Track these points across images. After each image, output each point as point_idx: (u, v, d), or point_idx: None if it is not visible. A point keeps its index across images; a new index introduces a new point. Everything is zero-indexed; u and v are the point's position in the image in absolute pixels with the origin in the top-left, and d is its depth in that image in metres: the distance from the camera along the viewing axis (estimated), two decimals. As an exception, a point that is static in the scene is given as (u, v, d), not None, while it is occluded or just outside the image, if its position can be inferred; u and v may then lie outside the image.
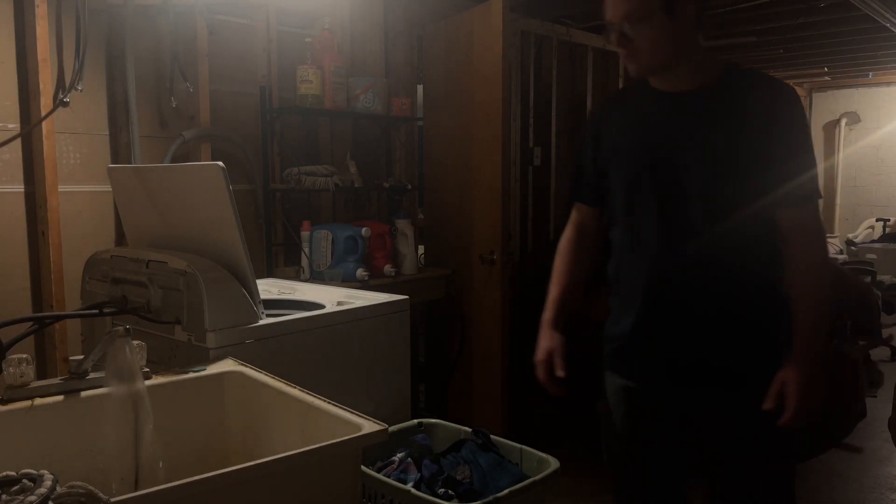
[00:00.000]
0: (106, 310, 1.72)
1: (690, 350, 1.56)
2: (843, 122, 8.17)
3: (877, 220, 7.28)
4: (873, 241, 6.70)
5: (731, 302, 1.53)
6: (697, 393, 1.58)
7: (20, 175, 2.65)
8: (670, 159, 1.52)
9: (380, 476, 1.78)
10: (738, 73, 1.54)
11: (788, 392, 1.44)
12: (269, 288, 2.41)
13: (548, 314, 1.71)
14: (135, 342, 1.41)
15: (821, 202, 1.51)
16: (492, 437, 1.97)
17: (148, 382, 1.41)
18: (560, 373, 1.62)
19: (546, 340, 1.68)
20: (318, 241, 3.08)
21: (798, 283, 1.48)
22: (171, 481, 0.95)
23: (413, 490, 1.70)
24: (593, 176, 1.70)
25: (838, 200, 8.28)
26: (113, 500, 0.88)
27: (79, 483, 0.91)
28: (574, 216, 1.81)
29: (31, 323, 1.70)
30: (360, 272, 3.03)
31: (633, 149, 1.59)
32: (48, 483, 0.91)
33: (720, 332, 1.54)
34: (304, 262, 3.10)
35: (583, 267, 1.78)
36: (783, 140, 1.46)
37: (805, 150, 1.49)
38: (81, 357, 1.37)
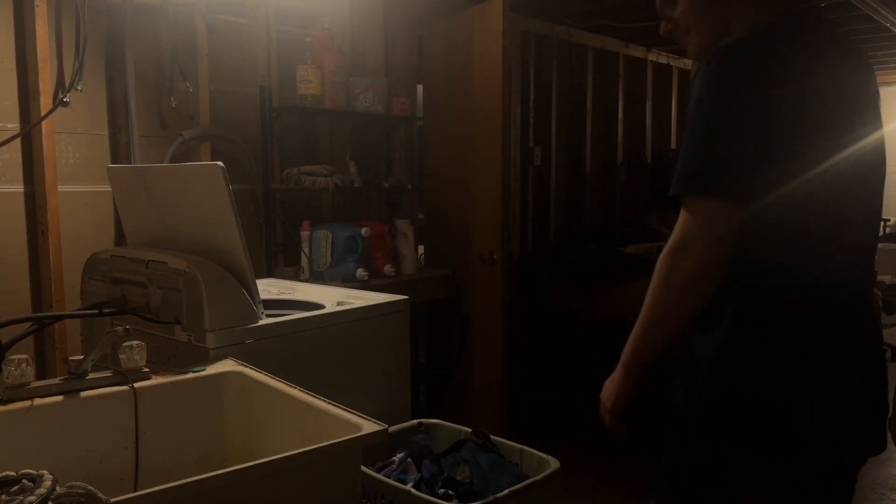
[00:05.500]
0: (105, 310, 1.72)
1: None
2: (843, 121, 8.17)
3: (877, 220, 7.28)
4: (873, 241, 6.69)
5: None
6: None
7: (20, 175, 2.65)
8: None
9: (380, 476, 1.78)
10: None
11: None
12: (269, 288, 2.40)
13: (633, 361, 1.29)
14: (135, 342, 1.41)
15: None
16: (492, 437, 1.96)
17: (148, 382, 1.41)
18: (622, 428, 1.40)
19: (624, 390, 1.33)
20: (318, 241, 3.08)
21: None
22: (170, 481, 0.95)
23: (413, 490, 1.70)
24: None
25: (838, 200, 8.29)
26: (112, 500, 0.88)
27: (78, 483, 0.91)
28: (715, 222, 1.12)
29: (30, 323, 1.70)
30: (360, 272, 3.03)
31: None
32: (48, 483, 0.91)
33: None
34: (304, 262, 3.10)
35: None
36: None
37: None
38: (81, 357, 1.37)
